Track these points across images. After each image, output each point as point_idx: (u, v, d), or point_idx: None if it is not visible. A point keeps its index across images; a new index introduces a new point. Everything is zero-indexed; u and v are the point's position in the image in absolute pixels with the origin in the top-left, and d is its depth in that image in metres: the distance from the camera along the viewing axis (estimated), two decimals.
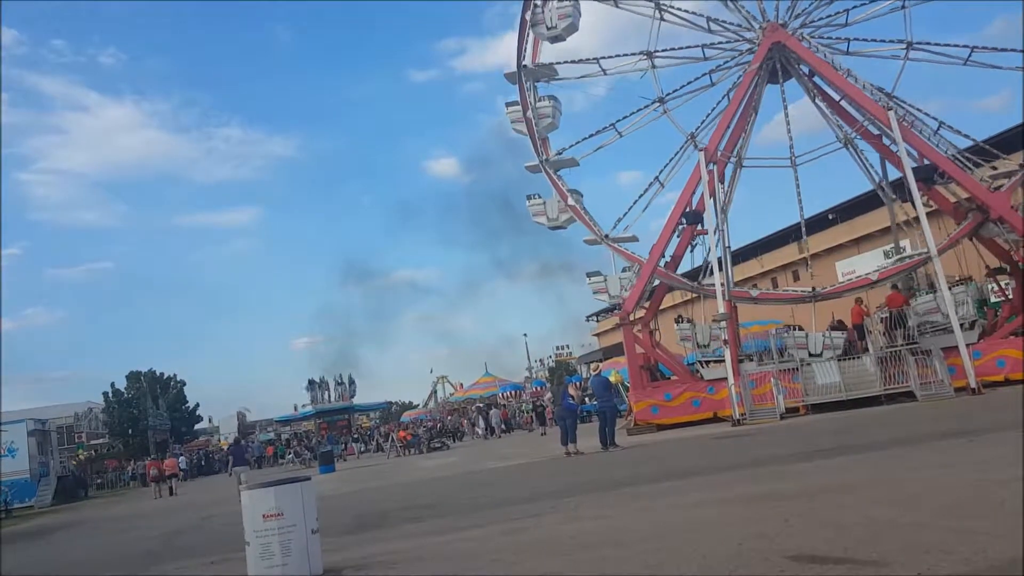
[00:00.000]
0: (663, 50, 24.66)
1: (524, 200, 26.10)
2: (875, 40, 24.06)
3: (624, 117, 25.15)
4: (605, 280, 24.68)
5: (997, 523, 5.14)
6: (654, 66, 24.76)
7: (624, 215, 25.30)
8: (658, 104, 24.81)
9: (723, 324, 21.75)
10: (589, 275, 25.08)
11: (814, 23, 23.73)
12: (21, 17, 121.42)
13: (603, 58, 25.21)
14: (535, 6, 24.76)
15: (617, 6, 25.00)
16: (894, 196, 24.45)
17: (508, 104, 25.78)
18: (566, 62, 25.57)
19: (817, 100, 24.56)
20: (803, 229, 25.74)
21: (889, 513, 5.94)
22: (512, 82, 25.51)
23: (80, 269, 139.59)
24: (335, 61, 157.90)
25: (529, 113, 25.08)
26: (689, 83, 24.86)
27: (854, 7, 23.34)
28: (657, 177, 25.17)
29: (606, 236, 24.89)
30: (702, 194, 23.02)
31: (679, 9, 24.38)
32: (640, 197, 25.24)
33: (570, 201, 24.99)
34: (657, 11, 24.30)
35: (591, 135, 25.40)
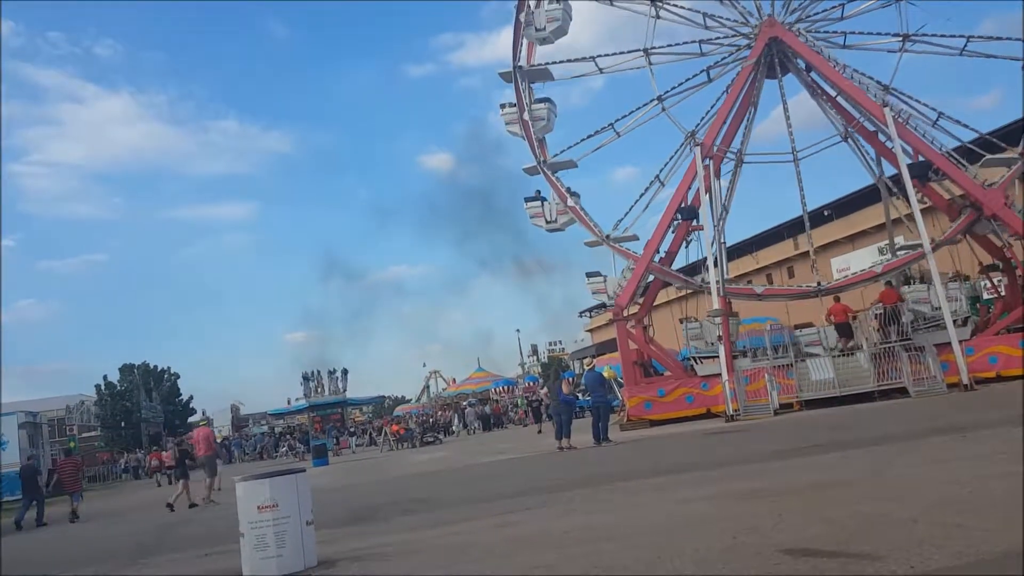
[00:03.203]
0: (660, 47, 24.51)
1: (517, 196, 25.94)
2: (872, 33, 24.12)
3: (623, 116, 24.86)
4: (604, 280, 24.43)
5: (989, 518, 5.16)
6: (651, 63, 24.57)
7: (624, 215, 24.93)
8: (656, 102, 24.59)
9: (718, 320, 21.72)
10: (588, 275, 24.72)
11: (810, 18, 23.67)
12: (18, 8, 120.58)
13: (599, 56, 25.05)
14: (528, 7, 24.57)
15: (612, 4, 24.83)
16: (894, 191, 24.48)
17: (503, 105, 25.55)
18: (562, 61, 25.34)
19: (815, 94, 24.54)
20: (806, 223, 25.70)
21: (882, 508, 5.96)
22: (507, 81, 25.32)
23: (74, 261, 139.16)
24: (332, 55, 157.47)
25: (526, 115, 24.80)
26: (688, 79, 24.64)
27: (849, 1, 23.35)
28: (657, 176, 24.96)
29: (607, 237, 24.58)
30: (698, 189, 23.01)
31: (675, 5, 24.24)
32: (641, 197, 25.00)
33: (569, 202, 24.75)
34: (653, 8, 24.17)
35: (589, 136, 25.03)
